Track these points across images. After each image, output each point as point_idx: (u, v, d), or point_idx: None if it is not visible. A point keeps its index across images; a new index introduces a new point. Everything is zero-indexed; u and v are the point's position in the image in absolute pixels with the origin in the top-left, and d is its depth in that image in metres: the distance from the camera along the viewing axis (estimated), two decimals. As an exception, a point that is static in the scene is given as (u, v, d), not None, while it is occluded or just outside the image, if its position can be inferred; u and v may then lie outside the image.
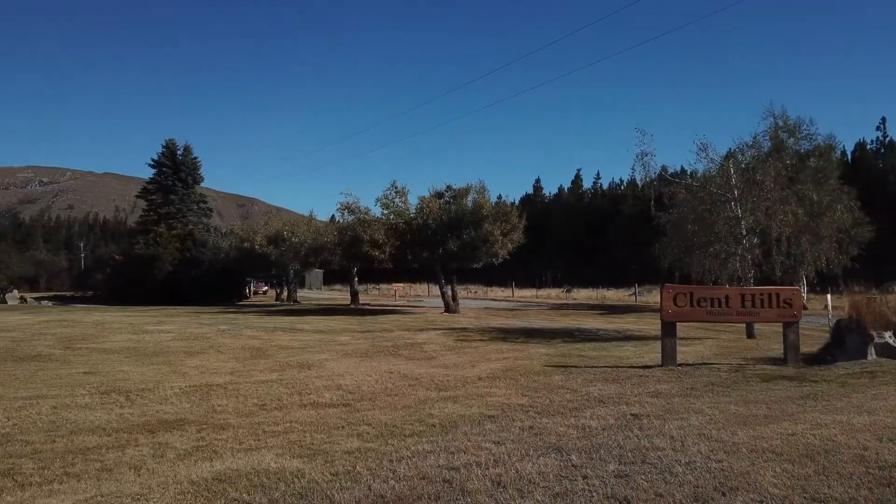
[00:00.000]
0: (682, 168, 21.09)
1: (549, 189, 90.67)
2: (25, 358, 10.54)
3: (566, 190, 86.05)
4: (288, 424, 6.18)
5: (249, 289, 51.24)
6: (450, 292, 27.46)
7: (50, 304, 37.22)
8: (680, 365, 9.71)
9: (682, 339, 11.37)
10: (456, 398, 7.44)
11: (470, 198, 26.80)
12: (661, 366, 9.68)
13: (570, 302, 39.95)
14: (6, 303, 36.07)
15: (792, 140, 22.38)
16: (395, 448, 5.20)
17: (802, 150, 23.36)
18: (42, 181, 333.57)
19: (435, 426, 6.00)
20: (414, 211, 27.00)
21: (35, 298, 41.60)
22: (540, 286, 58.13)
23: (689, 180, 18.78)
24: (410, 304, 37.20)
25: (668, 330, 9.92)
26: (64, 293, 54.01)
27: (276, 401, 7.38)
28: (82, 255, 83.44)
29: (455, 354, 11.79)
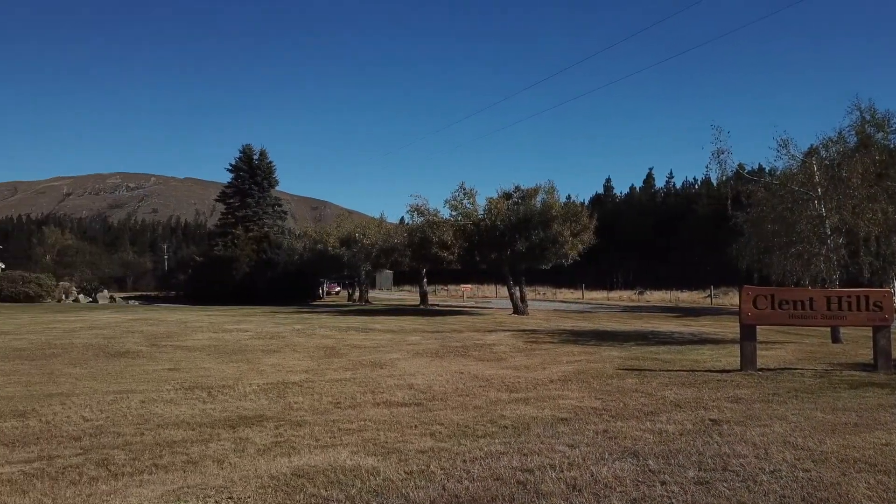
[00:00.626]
0: (760, 166, 20.22)
1: (621, 189, 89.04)
2: (116, 354, 11.11)
3: (638, 189, 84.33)
4: (362, 422, 6.29)
5: (322, 289, 52.40)
6: (518, 293, 27.31)
7: (136, 303, 39.12)
8: (760, 370, 9.34)
9: (761, 343, 10.95)
10: (527, 400, 7.40)
11: (539, 198, 26.58)
12: (741, 370, 9.35)
13: (642, 304, 39.06)
14: (97, 302, 38.13)
15: (881, 135, 21.15)
16: (468, 448, 5.22)
17: (892, 145, 22.09)
18: (129, 187, 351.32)
19: (507, 427, 5.98)
20: (482, 212, 27.00)
21: (123, 298, 43.81)
22: (611, 288, 57.08)
23: (769, 178, 18.03)
24: (478, 305, 37.22)
25: (748, 333, 9.57)
26: (149, 293, 56.64)
27: (350, 399, 7.52)
28: (165, 256, 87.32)
29: (525, 356, 11.73)
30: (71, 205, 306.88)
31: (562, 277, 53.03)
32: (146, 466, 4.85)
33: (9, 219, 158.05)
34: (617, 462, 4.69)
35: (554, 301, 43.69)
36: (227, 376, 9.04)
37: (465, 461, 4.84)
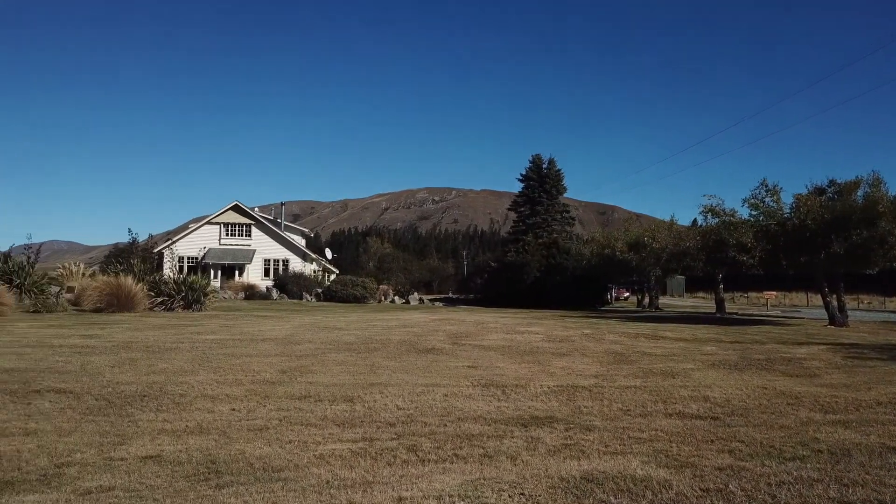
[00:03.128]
0: None
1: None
2: (423, 351, 12.31)
3: None
4: (653, 432, 6.10)
5: (610, 294, 51.88)
6: (835, 302, 23.94)
7: (440, 304, 42.88)
8: None
9: None
10: (847, 423, 6.47)
11: (860, 192, 22.98)
12: None
13: None
14: (409, 303, 42.67)
15: None
16: (774, 471, 4.75)
17: None
18: (434, 200, 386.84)
19: (822, 452, 5.31)
20: (788, 210, 24.24)
21: (429, 300, 48.31)
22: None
23: None
24: (785, 314, 33.47)
25: None
26: (451, 296, 61.71)
27: (640, 407, 7.33)
28: (465, 262, 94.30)
29: (844, 373, 10.25)
30: (388, 218, 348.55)
31: (892, 284, 45.19)
32: (448, 455, 5.30)
33: (341, 231, 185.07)
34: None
35: (882, 311, 37.46)
36: (520, 376, 9.44)
37: (769, 484, 4.41)
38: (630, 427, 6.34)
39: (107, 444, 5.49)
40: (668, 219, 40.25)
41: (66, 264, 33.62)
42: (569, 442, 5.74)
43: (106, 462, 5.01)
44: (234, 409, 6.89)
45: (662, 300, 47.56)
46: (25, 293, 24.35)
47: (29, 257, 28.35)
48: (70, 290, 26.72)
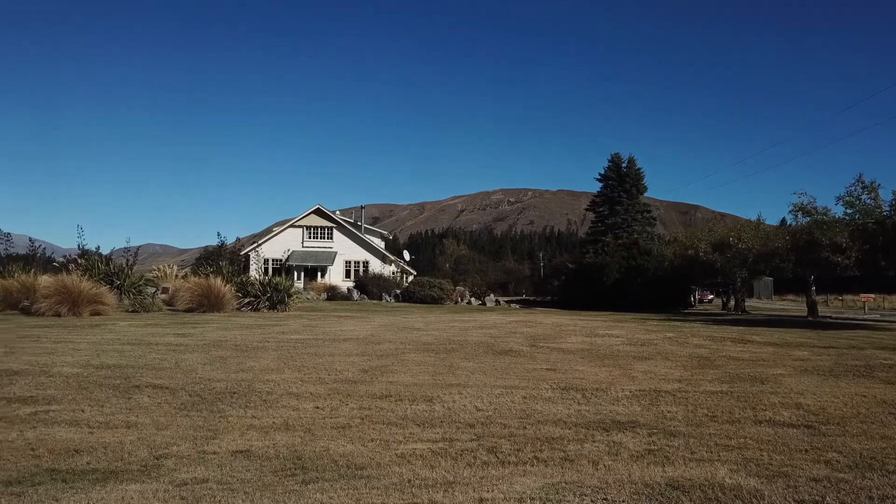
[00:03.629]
0: None
1: None
2: (501, 352, 12.29)
3: None
4: (741, 440, 5.88)
5: (694, 297, 50.27)
6: (945, 305, 22.35)
7: (516, 306, 42.70)
8: None
9: None
10: (960, 436, 6.03)
11: (973, 188, 21.37)
12: None
13: None
14: (485, 305, 42.70)
15: None
16: (876, 484, 4.49)
17: None
18: (510, 201, 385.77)
19: (930, 466, 4.98)
20: (888, 208, 22.81)
21: (505, 301, 48.20)
22: None
23: None
24: (884, 318, 31.46)
25: None
26: (527, 297, 61.30)
27: (728, 413, 7.08)
28: (541, 263, 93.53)
29: (956, 382, 9.55)
30: (464, 220, 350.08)
31: None
32: (528, 458, 5.28)
33: (418, 233, 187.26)
34: None
35: None
36: (600, 380, 9.29)
37: (871, 498, 4.18)
38: (717, 434, 6.13)
39: (200, 438, 5.76)
40: (754, 218, 38.65)
41: (161, 266, 35.52)
42: (652, 447, 5.61)
43: (199, 455, 5.26)
44: (317, 407, 7.09)
45: (749, 303, 45.67)
46: (125, 293, 25.85)
47: (128, 260, 30.10)
48: (164, 290, 28.20)
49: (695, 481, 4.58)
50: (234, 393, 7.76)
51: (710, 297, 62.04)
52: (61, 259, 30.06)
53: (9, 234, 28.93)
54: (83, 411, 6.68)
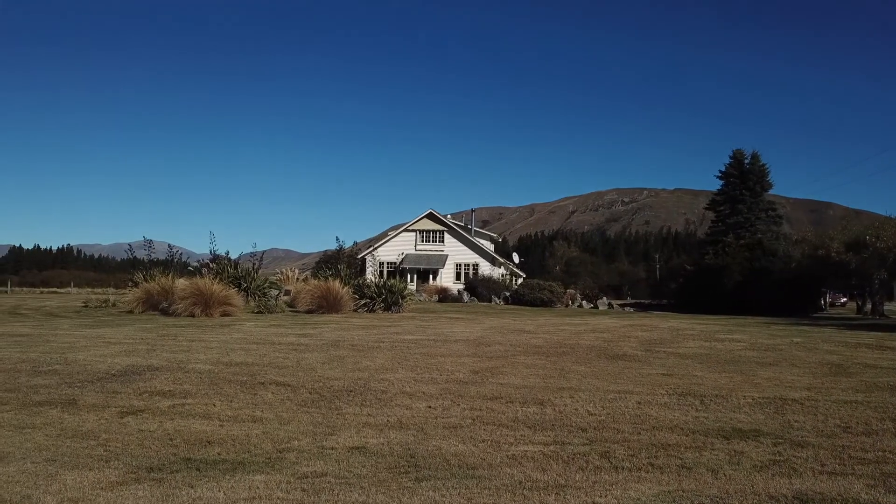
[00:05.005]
0: None
1: None
2: (614, 357, 12.01)
3: None
4: (879, 453, 5.45)
5: (824, 300, 46.90)
6: None
7: (631, 310, 41.48)
8: None
9: None
10: None
11: None
12: None
13: None
14: (597, 308, 41.80)
15: None
16: None
17: None
18: (623, 201, 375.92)
19: None
20: None
21: (619, 305, 46.99)
22: None
23: None
24: None
25: None
26: (642, 301, 59.42)
27: (863, 424, 6.57)
28: (657, 266, 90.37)
29: None
30: (575, 221, 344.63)
31: None
32: (643, 464, 5.15)
33: (528, 236, 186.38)
34: None
35: None
36: (720, 386, 8.88)
37: None
38: (851, 446, 5.71)
39: (319, 434, 6.04)
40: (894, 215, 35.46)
41: (284, 270, 37.37)
42: (778, 458, 5.31)
43: (319, 450, 5.52)
44: (430, 407, 7.24)
45: (888, 306, 41.99)
46: (251, 295, 27.48)
47: (254, 264, 32.01)
48: (287, 293, 29.70)
49: (826, 495, 4.30)
50: (351, 391, 8.07)
51: (844, 300, 57.65)
52: (196, 263, 32.39)
53: (150, 241, 31.40)
54: (214, 405, 7.19)
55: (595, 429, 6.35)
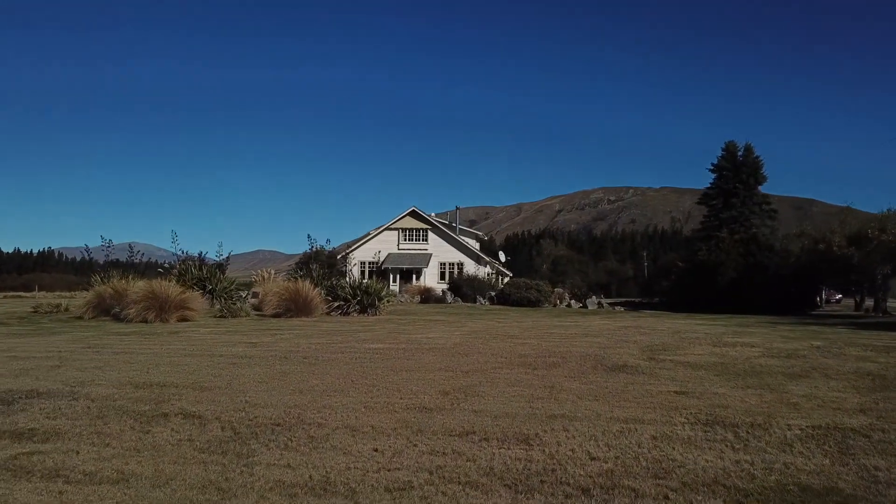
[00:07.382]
0: None
1: None
2: (613, 368, 10.17)
3: None
4: None
5: (821, 297, 45.42)
6: None
7: (621, 309, 39.73)
8: None
9: None
10: None
11: None
12: None
13: None
14: (587, 307, 40.00)
15: None
16: None
17: None
18: (609, 199, 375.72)
19: None
20: None
21: (609, 304, 45.21)
22: None
23: None
24: None
25: None
26: (632, 299, 57.70)
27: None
28: (645, 263, 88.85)
29: None
30: (562, 220, 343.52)
31: None
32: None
33: (515, 235, 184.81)
34: None
35: None
36: (751, 409, 7.05)
37: None
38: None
39: (202, 503, 4.14)
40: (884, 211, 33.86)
41: (259, 271, 35.31)
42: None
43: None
44: (375, 450, 5.35)
45: (890, 303, 40.50)
46: (216, 298, 25.44)
47: (221, 265, 29.94)
48: (255, 295, 27.66)
49: None
50: (278, 425, 6.16)
51: (839, 296, 56.31)
52: (165, 265, 30.26)
53: (110, 240, 29.30)
54: (78, 453, 5.23)
55: (601, 488, 4.47)
